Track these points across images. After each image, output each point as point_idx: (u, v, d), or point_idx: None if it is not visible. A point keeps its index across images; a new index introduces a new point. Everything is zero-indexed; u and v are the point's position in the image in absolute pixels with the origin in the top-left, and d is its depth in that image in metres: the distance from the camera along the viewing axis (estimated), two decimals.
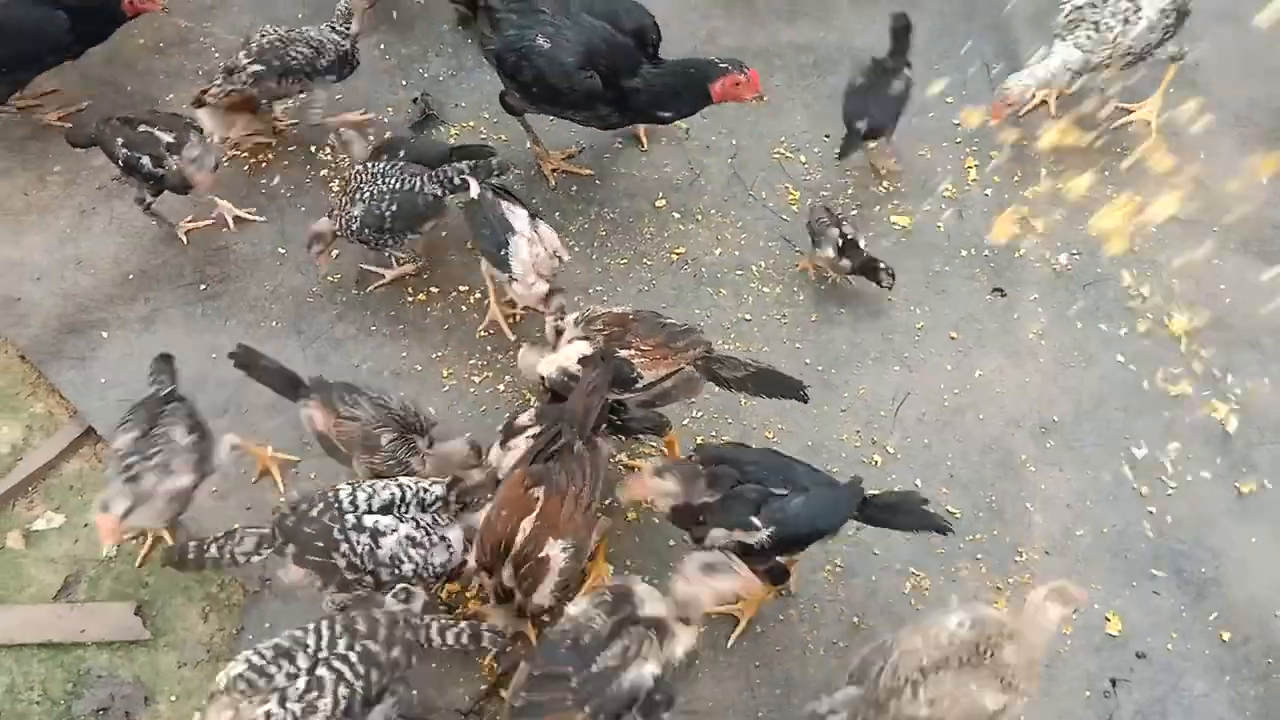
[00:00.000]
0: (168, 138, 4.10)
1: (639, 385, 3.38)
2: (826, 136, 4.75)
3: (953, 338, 4.13)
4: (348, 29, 4.48)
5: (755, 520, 3.06)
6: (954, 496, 3.71)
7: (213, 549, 3.14)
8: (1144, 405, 3.92)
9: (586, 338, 3.45)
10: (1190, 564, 3.56)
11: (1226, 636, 3.41)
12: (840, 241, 4.08)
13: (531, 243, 3.76)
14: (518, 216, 3.82)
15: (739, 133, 4.80)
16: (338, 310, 4.22)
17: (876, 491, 3.26)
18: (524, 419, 3.44)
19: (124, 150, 4.10)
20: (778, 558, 3.21)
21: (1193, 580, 3.53)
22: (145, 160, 4.09)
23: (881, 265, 4.11)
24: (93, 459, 3.90)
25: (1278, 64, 5.00)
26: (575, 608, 2.86)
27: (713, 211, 4.53)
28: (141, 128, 4.13)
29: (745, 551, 3.06)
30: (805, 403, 3.48)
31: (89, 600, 3.54)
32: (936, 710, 2.77)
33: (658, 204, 4.55)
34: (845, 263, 4.11)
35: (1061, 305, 4.20)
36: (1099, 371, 4.02)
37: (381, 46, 5.14)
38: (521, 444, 3.34)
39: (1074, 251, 4.36)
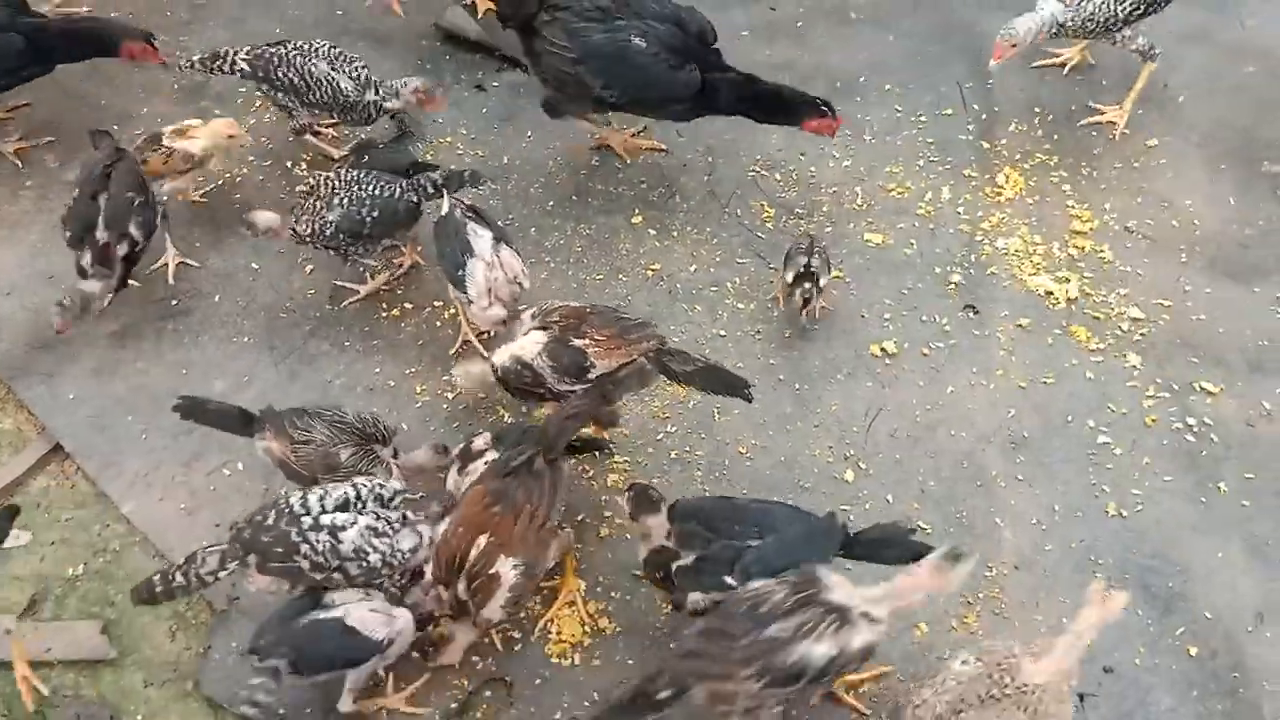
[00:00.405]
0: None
1: (592, 375, 3.45)
2: (802, 155, 4.78)
3: (925, 354, 4.16)
4: (390, 103, 4.40)
5: (729, 580, 3.04)
6: (925, 512, 3.73)
7: (178, 577, 3.12)
8: (1112, 421, 3.96)
9: (544, 328, 3.50)
10: (1158, 579, 3.59)
11: (1194, 651, 3.44)
12: (801, 269, 4.09)
13: (490, 267, 3.74)
14: (480, 238, 3.80)
15: (715, 150, 4.83)
16: (310, 326, 4.21)
17: (863, 526, 3.25)
18: (479, 443, 3.46)
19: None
20: None
21: (1160, 595, 3.56)
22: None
23: (811, 302, 4.08)
24: (60, 476, 3.86)
25: (1243, 83, 5.08)
26: (760, 581, 2.92)
27: (688, 228, 4.55)
28: None
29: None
30: (749, 401, 3.56)
31: (55, 619, 3.51)
32: None
33: (634, 220, 4.57)
34: (795, 290, 4.08)
35: (1032, 322, 4.24)
36: (1068, 388, 4.06)
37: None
38: (480, 468, 3.36)
39: (1044, 269, 4.40)
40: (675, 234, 4.53)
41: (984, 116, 4.90)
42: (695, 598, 3.13)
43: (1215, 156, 4.80)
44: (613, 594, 3.55)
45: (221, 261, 4.40)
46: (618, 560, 3.62)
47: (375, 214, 3.95)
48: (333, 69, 4.31)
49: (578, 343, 3.44)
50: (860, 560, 3.27)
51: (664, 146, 4.78)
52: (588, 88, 4.29)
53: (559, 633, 3.44)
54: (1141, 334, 4.21)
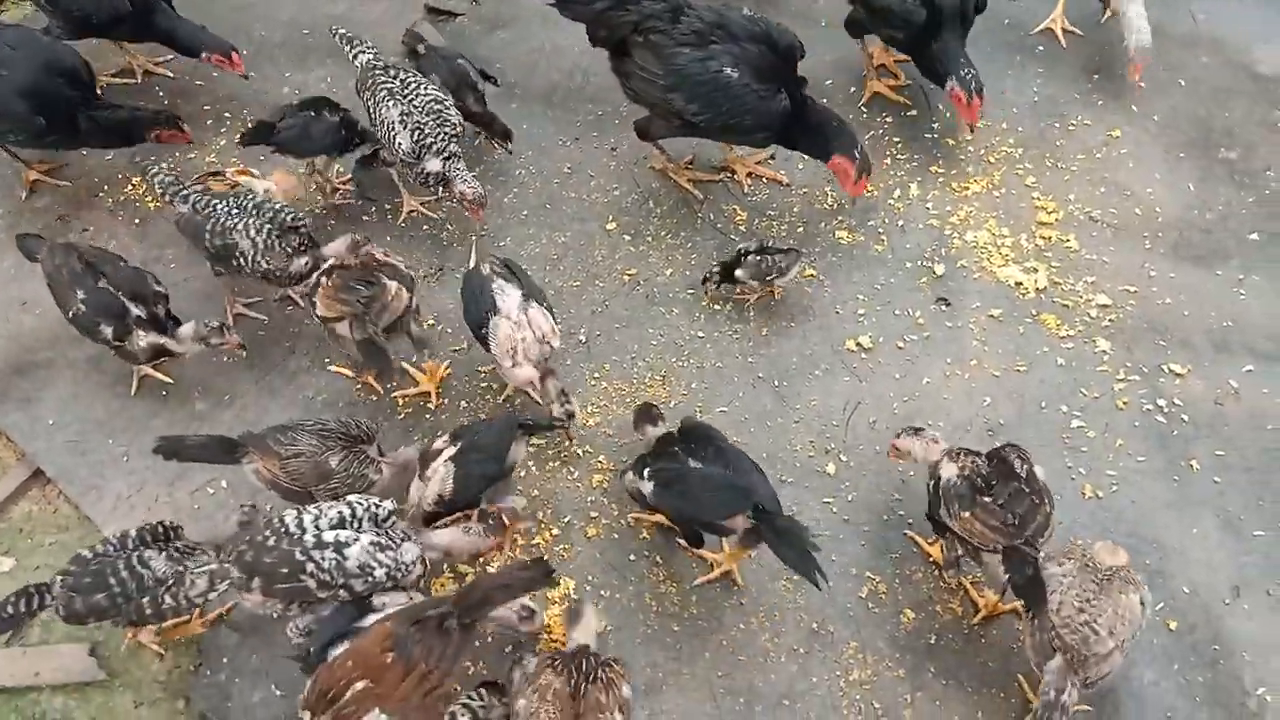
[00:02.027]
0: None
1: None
2: (771, 158, 4.85)
3: (900, 347, 4.23)
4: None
5: (645, 474, 3.40)
6: (906, 501, 3.78)
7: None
8: (1085, 405, 4.04)
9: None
10: (1135, 557, 3.61)
11: (1173, 625, 3.51)
12: (741, 256, 4.21)
13: (518, 326, 3.67)
14: (508, 296, 3.73)
15: (686, 157, 4.88)
16: (290, 343, 4.22)
17: (774, 512, 3.30)
18: (439, 443, 3.47)
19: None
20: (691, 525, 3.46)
21: (1138, 572, 3.59)
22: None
23: (718, 274, 4.26)
24: (42, 501, 3.84)
25: (1198, 74, 5.20)
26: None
27: (663, 233, 4.60)
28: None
29: (646, 504, 3.48)
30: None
31: (42, 644, 3.48)
32: (1116, 635, 3.06)
33: (608, 227, 4.62)
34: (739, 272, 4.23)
35: (1003, 312, 4.32)
36: (1040, 374, 4.13)
37: (329, 80, 5.17)
38: (440, 468, 3.36)
39: (1012, 260, 4.48)
40: (650, 239, 4.58)
41: (948, 115, 4.99)
42: (629, 476, 3.50)
43: (1174, 145, 4.92)
44: (601, 593, 3.57)
45: (200, 283, 4.39)
46: (606, 560, 3.65)
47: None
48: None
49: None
50: (762, 538, 3.30)
51: (786, 180, 4.74)
52: (679, 112, 4.26)
53: (550, 633, 3.46)
54: (1110, 320, 4.29)
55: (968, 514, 3.27)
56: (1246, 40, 5.37)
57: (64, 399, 4.04)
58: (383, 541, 3.13)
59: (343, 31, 4.64)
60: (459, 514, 3.44)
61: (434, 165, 4.23)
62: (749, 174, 4.74)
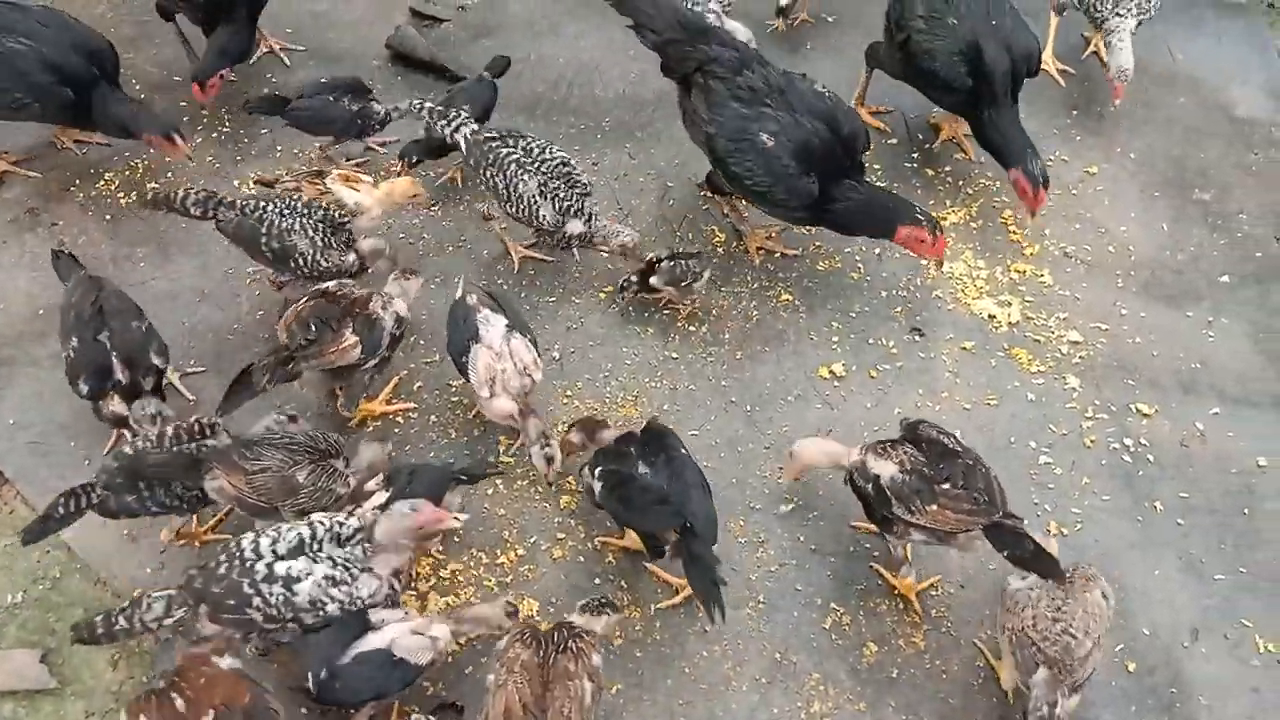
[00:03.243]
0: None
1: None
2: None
3: (872, 376, 4.24)
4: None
5: (596, 472, 3.45)
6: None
7: (120, 620, 3.05)
8: (1053, 442, 4.06)
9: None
10: None
11: (1132, 667, 3.53)
12: (654, 263, 4.21)
13: (499, 356, 3.65)
14: (492, 326, 3.70)
15: (668, 174, 4.89)
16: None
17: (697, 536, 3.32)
18: (371, 484, 3.42)
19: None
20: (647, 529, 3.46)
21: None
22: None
23: (635, 282, 4.26)
24: (0, 504, 3.77)
25: (1174, 114, 5.26)
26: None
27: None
28: None
29: (593, 500, 3.52)
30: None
31: None
32: (1091, 633, 3.14)
33: None
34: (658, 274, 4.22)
35: (975, 345, 4.34)
36: (1010, 409, 4.16)
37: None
38: (368, 513, 3.24)
39: (986, 293, 4.51)
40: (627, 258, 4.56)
41: (927, 145, 5.02)
42: (584, 472, 3.55)
43: (1149, 184, 4.97)
44: (565, 615, 3.54)
45: (167, 283, 4.34)
46: (571, 582, 3.63)
47: None
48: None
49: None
50: (677, 553, 3.36)
51: (794, 251, 4.62)
52: (717, 162, 4.23)
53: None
54: (1080, 357, 4.33)
55: (934, 507, 3.31)
56: (1224, 81, 5.44)
57: (26, 398, 3.97)
58: (337, 575, 3.07)
59: (429, 105, 4.34)
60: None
61: (576, 228, 4.17)
62: (758, 249, 4.60)
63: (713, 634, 3.53)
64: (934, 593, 3.66)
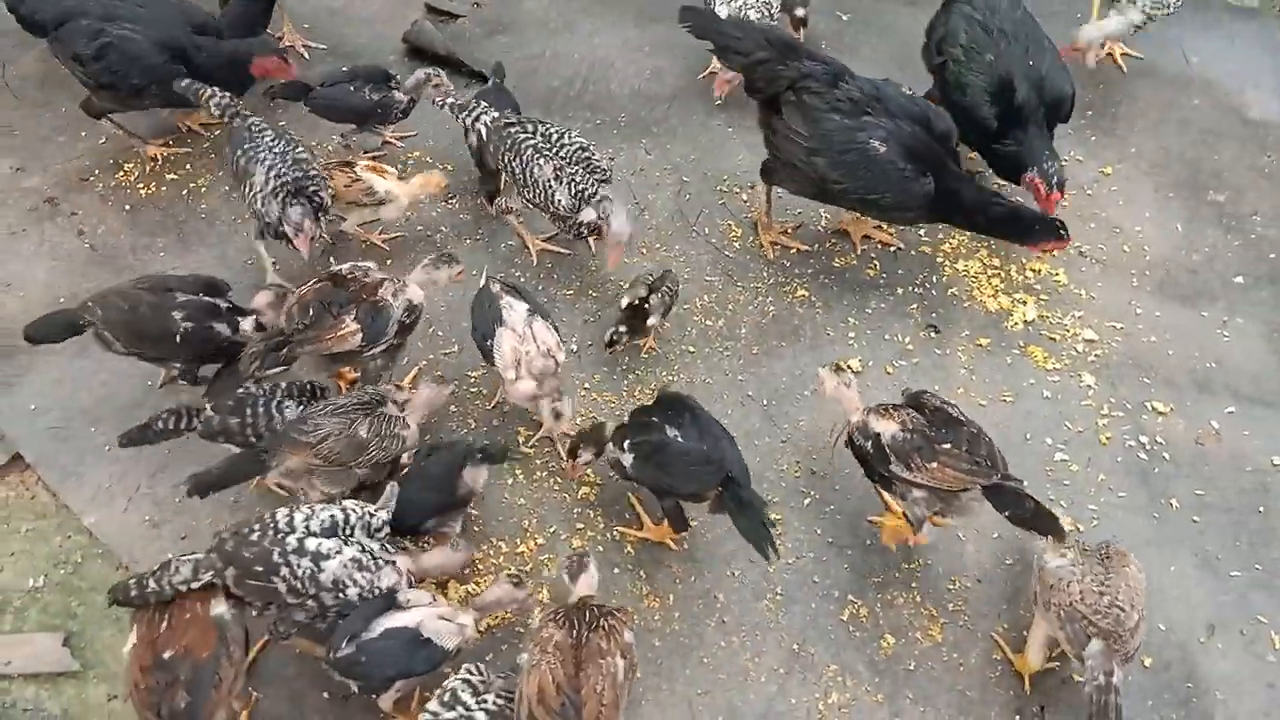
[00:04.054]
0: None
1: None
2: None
3: (888, 372, 4.25)
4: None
5: (626, 445, 3.48)
6: None
7: (151, 583, 3.06)
8: (1068, 439, 4.08)
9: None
10: None
11: (1149, 663, 3.54)
12: (635, 301, 4.07)
13: (522, 339, 3.68)
14: (514, 310, 3.74)
15: (684, 169, 4.91)
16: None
17: (742, 484, 3.41)
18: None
19: None
20: (673, 498, 3.51)
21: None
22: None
23: (617, 344, 4.12)
24: (19, 487, 3.78)
25: (1189, 116, 5.29)
26: None
27: (657, 245, 4.61)
28: None
29: (625, 475, 3.55)
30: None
31: (15, 631, 3.43)
32: (1137, 606, 3.21)
33: None
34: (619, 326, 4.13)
35: (991, 342, 4.36)
36: (1026, 406, 4.17)
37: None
38: (386, 487, 3.33)
39: (1002, 291, 4.53)
40: (644, 251, 4.59)
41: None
42: (610, 447, 3.56)
43: (1164, 185, 4.99)
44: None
45: (187, 272, 4.34)
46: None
47: None
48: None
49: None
50: (723, 505, 3.41)
51: (806, 246, 4.63)
52: (821, 178, 4.17)
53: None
54: (1096, 355, 4.34)
55: (935, 464, 3.38)
56: (1238, 83, 5.47)
57: (47, 384, 3.99)
58: (363, 560, 3.10)
59: (451, 100, 4.42)
60: (444, 535, 3.46)
61: (589, 215, 4.12)
62: (772, 243, 4.60)
63: (731, 625, 3.55)
64: (951, 587, 3.67)
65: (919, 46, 4.80)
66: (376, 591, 3.13)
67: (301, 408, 3.50)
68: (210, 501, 3.67)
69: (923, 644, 3.55)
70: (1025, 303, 4.50)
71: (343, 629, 3.05)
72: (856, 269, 4.59)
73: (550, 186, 4.14)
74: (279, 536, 3.06)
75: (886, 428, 3.46)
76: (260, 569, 3.04)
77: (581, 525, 3.75)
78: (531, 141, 4.19)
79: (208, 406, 3.51)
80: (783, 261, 4.58)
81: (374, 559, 3.13)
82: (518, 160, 4.19)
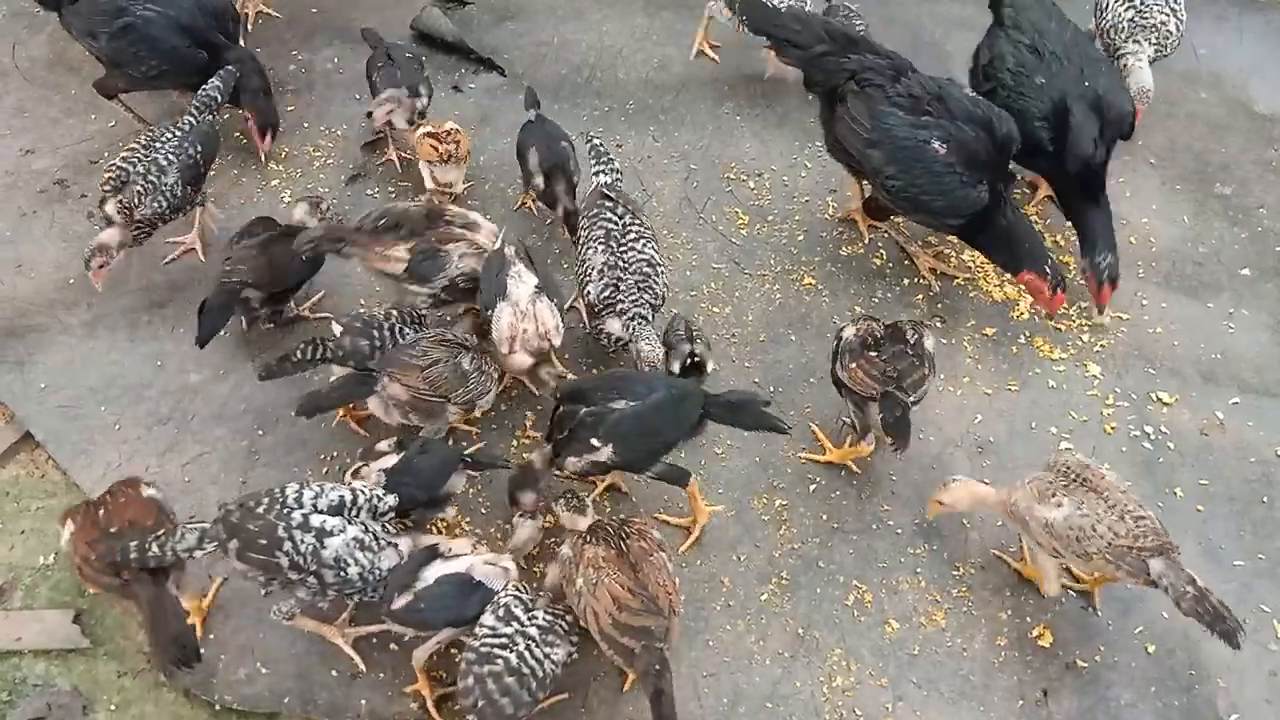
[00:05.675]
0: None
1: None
2: (773, 167, 4.88)
3: None
4: None
5: (595, 442, 3.40)
6: (895, 512, 3.82)
7: (154, 547, 3.09)
8: (1074, 428, 4.09)
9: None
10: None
11: (1152, 649, 3.56)
12: (688, 360, 3.83)
13: (523, 316, 3.68)
14: (523, 285, 3.72)
15: (691, 157, 4.92)
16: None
17: (719, 392, 3.57)
18: (383, 444, 3.52)
19: None
20: (663, 463, 3.54)
21: (1120, 596, 3.67)
22: None
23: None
24: (30, 465, 3.81)
25: (1196, 109, 5.29)
26: None
27: (664, 233, 4.62)
28: None
29: (606, 470, 3.53)
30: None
31: (25, 608, 3.45)
32: (1143, 505, 3.34)
33: None
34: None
35: (997, 331, 4.37)
36: (1031, 395, 4.19)
37: (335, 60, 5.16)
38: (374, 475, 3.35)
39: (1008, 280, 4.53)
40: None
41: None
42: (570, 460, 3.48)
43: (1171, 178, 5.00)
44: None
45: (200, 255, 4.37)
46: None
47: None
48: None
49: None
50: (718, 422, 3.55)
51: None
52: (875, 171, 4.11)
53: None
54: (1101, 345, 4.36)
55: (854, 365, 3.65)
56: (1245, 77, 5.47)
57: (57, 363, 4.01)
58: (365, 540, 3.13)
59: (597, 144, 4.27)
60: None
61: (613, 326, 3.84)
62: (930, 269, 4.52)
63: (736, 608, 3.57)
64: (955, 573, 3.69)
65: (927, 37, 4.81)
66: (377, 573, 3.16)
67: (418, 332, 3.68)
68: (219, 483, 3.74)
69: (927, 629, 3.57)
70: None
71: (393, 583, 3.15)
72: (864, 258, 4.60)
73: (589, 274, 3.89)
74: (285, 511, 3.08)
75: (848, 331, 3.78)
76: (264, 542, 3.06)
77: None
78: (606, 225, 3.95)
79: (336, 329, 3.65)
80: (790, 249, 4.59)
81: (376, 539, 3.15)
82: (587, 234, 3.98)
